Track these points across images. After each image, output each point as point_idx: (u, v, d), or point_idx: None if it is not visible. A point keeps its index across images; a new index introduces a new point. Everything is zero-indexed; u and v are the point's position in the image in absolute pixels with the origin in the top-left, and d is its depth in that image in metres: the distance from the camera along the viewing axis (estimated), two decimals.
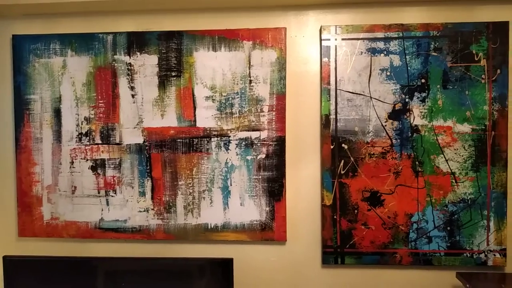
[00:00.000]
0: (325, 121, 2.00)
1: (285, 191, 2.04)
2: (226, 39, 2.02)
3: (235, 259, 2.01)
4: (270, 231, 2.05)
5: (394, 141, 1.98)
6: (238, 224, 2.06)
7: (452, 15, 1.95)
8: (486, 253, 1.98)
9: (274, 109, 2.02)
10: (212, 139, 2.05)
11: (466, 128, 1.95)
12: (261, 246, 2.08)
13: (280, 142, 2.03)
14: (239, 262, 2.06)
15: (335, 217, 2.02)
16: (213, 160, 2.05)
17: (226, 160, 2.05)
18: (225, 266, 1.97)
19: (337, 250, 2.02)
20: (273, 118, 2.02)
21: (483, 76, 1.93)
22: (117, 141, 2.09)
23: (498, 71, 1.93)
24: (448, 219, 1.98)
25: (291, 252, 2.07)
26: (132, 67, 2.06)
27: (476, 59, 1.93)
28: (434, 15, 1.96)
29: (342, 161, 2.00)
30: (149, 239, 2.10)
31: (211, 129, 2.05)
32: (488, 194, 1.96)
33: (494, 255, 1.98)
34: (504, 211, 1.96)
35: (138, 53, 2.06)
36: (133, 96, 2.07)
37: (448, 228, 1.98)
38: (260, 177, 2.04)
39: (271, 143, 2.03)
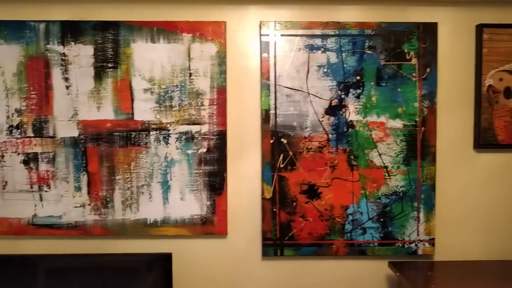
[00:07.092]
0: (265, 116, 2.02)
1: (226, 185, 2.04)
2: (165, 31, 1.99)
3: (175, 254, 2.00)
4: (211, 225, 2.05)
5: (330, 136, 2.03)
6: (178, 219, 2.05)
7: (386, 15, 2.02)
8: (416, 243, 2.08)
9: (214, 103, 2.02)
10: (151, 133, 2.02)
11: (398, 124, 2.04)
12: (202, 240, 2.08)
13: (221, 136, 2.03)
14: (180, 256, 2.04)
15: (274, 209, 2.05)
16: (152, 154, 2.02)
17: (166, 154, 2.03)
18: (164, 261, 1.96)
19: (277, 242, 2.06)
20: (214, 112, 2.02)
21: (414, 74, 2.02)
22: (51, 134, 2.00)
23: (428, 69, 2.02)
24: (381, 211, 2.06)
25: (232, 245, 2.09)
26: (66, 58, 1.98)
27: (407, 57, 2.02)
28: (368, 14, 2.02)
29: (282, 155, 2.03)
30: (86, 235, 2.04)
31: (150, 122, 2.01)
32: (418, 187, 2.06)
33: (424, 244, 2.09)
34: (433, 203, 2.07)
35: (73, 43, 1.98)
36: (67, 87, 1.99)
37: (381, 219, 2.06)
38: (201, 171, 2.03)
39: (212, 137, 2.03)
